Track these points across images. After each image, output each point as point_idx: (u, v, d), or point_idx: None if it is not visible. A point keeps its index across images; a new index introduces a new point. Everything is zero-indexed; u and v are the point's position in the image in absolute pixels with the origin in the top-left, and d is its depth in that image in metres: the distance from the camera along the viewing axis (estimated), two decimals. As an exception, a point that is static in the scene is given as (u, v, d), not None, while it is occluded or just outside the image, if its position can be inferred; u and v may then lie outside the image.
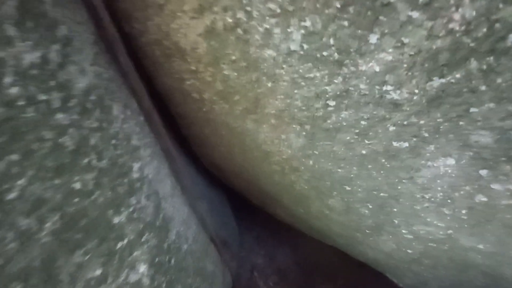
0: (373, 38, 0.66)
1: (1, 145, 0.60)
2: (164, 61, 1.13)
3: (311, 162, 1.19)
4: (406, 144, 0.89)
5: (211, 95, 1.16)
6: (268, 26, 0.75)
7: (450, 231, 1.10)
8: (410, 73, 0.69)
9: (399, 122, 0.84)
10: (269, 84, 0.94)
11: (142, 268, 1.03)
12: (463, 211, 0.99)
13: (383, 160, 0.99)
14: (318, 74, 0.82)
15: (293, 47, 0.77)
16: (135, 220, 1.00)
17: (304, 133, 1.06)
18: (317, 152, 1.12)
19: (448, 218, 1.05)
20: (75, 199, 0.78)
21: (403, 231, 1.25)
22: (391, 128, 0.87)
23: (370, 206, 1.23)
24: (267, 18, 0.73)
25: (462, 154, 0.83)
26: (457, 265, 1.23)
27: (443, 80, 0.67)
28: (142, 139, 1.13)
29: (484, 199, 0.91)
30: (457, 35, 0.58)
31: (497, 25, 0.54)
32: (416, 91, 0.72)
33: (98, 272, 0.85)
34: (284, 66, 0.84)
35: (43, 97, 0.69)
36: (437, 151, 0.86)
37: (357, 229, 1.43)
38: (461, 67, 0.63)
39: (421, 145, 0.87)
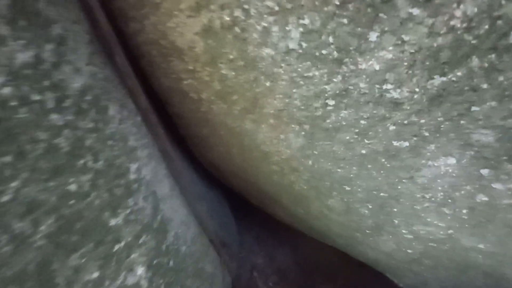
0: (373, 36, 0.65)
1: (-7, 147, 0.58)
2: (161, 60, 1.12)
3: (310, 162, 1.18)
4: (407, 144, 0.89)
5: (209, 95, 1.15)
6: (266, 24, 0.74)
7: (450, 231, 1.09)
8: (410, 72, 0.68)
9: (399, 121, 0.83)
10: (268, 84, 0.93)
11: (140, 270, 1.02)
12: (464, 211, 0.99)
13: (383, 160, 0.99)
14: (317, 73, 0.81)
15: (291, 45, 0.76)
16: (132, 222, 0.99)
17: (303, 133, 1.05)
18: (316, 152, 1.11)
19: (449, 218, 1.04)
20: (70, 201, 0.77)
21: (403, 231, 1.24)
22: (391, 128, 0.86)
23: (370, 206, 1.22)
24: (265, 16, 0.72)
25: (463, 154, 0.82)
26: (457, 265, 1.22)
27: (444, 79, 0.66)
28: (140, 140, 1.11)
29: (485, 198, 0.91)
30: (459, 32, 0.57)
31: (499, 22, 0.53)
32: (417, 89, 0.71)
33: (95, 275, 0.84)
34: (282, 65, 0.83)
35: (36, 97, 0.68)
36: (438, 150, 0.86)
37: (357, 229, 1.43)
38: (462, 65, 0.62)
39: (422, 144, 0.86)
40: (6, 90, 0.61)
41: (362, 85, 0.78)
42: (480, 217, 0.97)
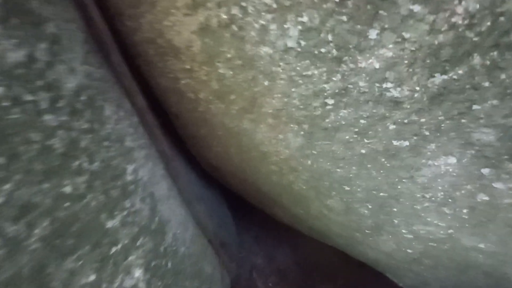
0: (373, 34, 0.64)
1: (-16, 149, 0.57)
2: (158, 60, 1.11)
3: (309, 162, 1.17)
4: (407, 143, 0.88)
5: (206, 95, 1.14)
6: (264, 22, 0.73)
7: (450, 231, 1.09)
8: (411, 70, 0.67)
9: (399, 120, 0.82)
10: (266, 83, 0.92)
11: (138, 272, 1.01)
12: (464, 211, 0.98)
13: (383, 160, 0.98)
14: (316, 72, 0.80)
15: (290, 43, 0.75)
16: (129, 224, 0.97)
17: (302, 132, 1.05)
18: (315, 152, 1.10)
19: (449, 217, 1.04)
20: (65, 203, 0.75)
21: (403, 231, 1.24)
22: (391, 127, 0.85)
23: (370, 206, 1.22)
24: (263, 13, 0.71)
25: (464, 153, 0.82)
26: (458, 265, 1.22)
27: (445, 77, 0.65)
28: (136, 140, 1.10)
29: (486, 198, 0.90)
30: (460, 29, 0.56)
31: (502, 18, 0.52)
32: (417, 88, 0.71)
33: (92, 278, 0.82)
34: (281, 63, 0.82)
35: (29, 97, 0.66)
36: (438, 149, 0.85)
37: (357, 229, 1.42)
38: (463, 62, 0.61)
39: (422, 143, 0.86)
40: (-2, 90, 0.59)
41: (361, 83, 0.77)
42: (481, 216, 0.96)
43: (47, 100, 0.70)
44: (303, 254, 2.56)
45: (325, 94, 0.85)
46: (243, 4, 0.73)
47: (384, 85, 0.75)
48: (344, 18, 0.64)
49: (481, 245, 1.06)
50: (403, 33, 0.62)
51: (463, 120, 0.73)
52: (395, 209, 1.15)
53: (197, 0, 0.79)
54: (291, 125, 1.04)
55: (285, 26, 0.72)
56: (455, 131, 0.77)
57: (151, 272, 1.07)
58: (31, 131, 0.66)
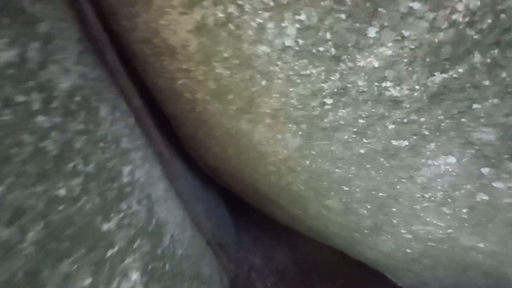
0: (372, 32, 0.63)
1: (-27, 151, 0.56)
2: (154, 60, 1.09)
3: (308, 162, 1.16)
4: (406, 143, 0.87)
5: (203, 95, 1.13)
6: (261, 21, 0.72)
7: (450, 230, 1.08)
8: (410, 68, 0.66)
9: (398, 120, 0.81)
10: (264, 82, 0.91)
11: (135, 275, 0.99)
12: (464, 210, 0.98)
13: (382, 160, 0.97)
14: (314, 71, 0.79)
15: (287, 42, 0.74)
16: (126, 226, 0.96)
17: (300, 132, 1.04)
18: (314, 152, 1.09)
19: (448, 217, 1.03)
20: (60, 206, 0.74)
21: (402, 231, 1.23)
22: (391, 126, 0.85)
23: (369, 206, 1.21)
24: (260, 12, 0.70)
25: (464, 152, 0.81)
26: (457, 265, 1.21)
27: (445, 75, 0.65)
28: (133, 142, 1.09)
29: (486, 197, 0.90)
30: (461, 27, 0.55)
31: (503, 15, 0.52)
32: (417, 87, 0.70)
33: (88, 281, 0.81)
34: (278, 63, 0.81)
35: (21, 98, 0.65)
36: (438, 149, 0.84)
37: (356, 229, 1.41)
38: (464, 61, 0.60)
39: (421, 143, 0.85)
40: (-12, 91, 0.58)
41: (360, 83, 0.76)
42: (480, 216, 0.96)
43: (39, 101, 0.69)
44: (301, 254, 2.55)
45: (324, 93, 0.85)
46: (240, 2, 0.71)
47: (383, 84, 0.74)
48: (343, 16, 0.63)
49: (481, 245, 1.06)
50: (403, 31, 0.61)
51: (463, 119, 0.73)
52: (394, 209, 1.15)
53: (193, -1, 0.78)
54: (289, 125, 1.03)
55: (282, 24, 0.71)
56: (455, 130, 0.76)
57: (148, 275, 1.05)
58: (23, 133, 0.65)
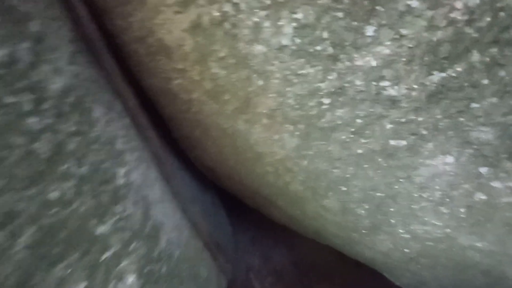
0: (370, 30, 0.62)
1: (-39, 154, 0.54)
2: (149, 60, 1.08)
3: (305, 163, 1.16)
4: (404, 142, 0.87)
5: (199, 95, 1.12)
6: (257, 20, 0.71)
7: (448, 230, 1.09)
8: (408, 67, 0.66)
9: (396, 119, 0.81)
10: (260, 82, 0.90)
11: (131, 278, 0.98)
12: (462, 210, 0.98)
13: (380, 159, 0.97)
14: (311, 70, 0.78)
15: (284, 41, 0.73)
16: (121, 229, 0.95)
17: (297, 133, 1.03)
18: (311, 152, 1.09)
19: (446, 217, 1.03)
20: (52, 210, 0.72)
21: (400, 230, 1.23)
22: (388, 126, 0.84)
23: (367, 206, 1.21)
24: (256, 10, 0.69)
25: (462, 152, 0.81)
26: (455, 264, 1.21)
27: (443, 74, 0.64)
28: (128, 143, 1.07)
29: (484, 197, 0.90)
30: (459, 25, 0.55)
31: (502, 13, 0.51)
32: (415, 86, 0.69)
33: (82, 286, 0.80)
34: (275, 62, 0.80)
35: (11, 99, 0.63)
36: (436, 149, 0.84)
37: (354, 229, 1.41)
38: (462, 59, 0.60)
39: (420, 143, 0.85)
40: (-25, 92, 0.56)
41: (358, 82, 0.75)
42: (479, 216, 0.96)
43: (30, 102, 0.67)
44: (299, 254, 2.55)
45: (321, 93, 0.84)
46: (236, 0, 0.71)
47: (381, 84, 0.73)
48: (340, 14, 0.62)
49: (479, 244, 1.06)
50: (401, 30, 0.60)
51: (461, 119, 0.72)
52: (392, 209, 1.15)
53: (188, -3, 0.77)
54: (287, 125, 1.03)
55: (279, 23, 0.70)
56: (453, 130, 0.76)
57: (144, 278, 1.04)
58: (13, 134, 0.63)
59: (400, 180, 1.01)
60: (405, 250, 1.34)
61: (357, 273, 2.17)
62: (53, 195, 0.72)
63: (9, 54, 0.63)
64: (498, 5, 0.51)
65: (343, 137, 0.95)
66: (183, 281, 1.36)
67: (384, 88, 0.74)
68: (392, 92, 0.74)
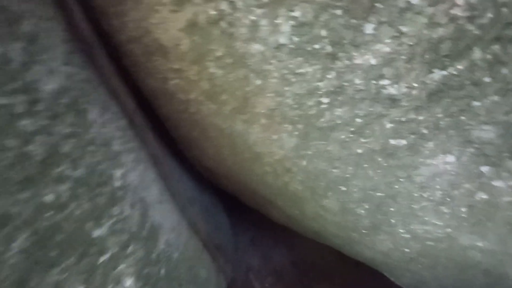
0: (369, 28, 0.61)
1: (-50, 158, 0.53)
2: (145, 60, 1.07)
3: (304, 163, 1.15)
4: (404, 142, 0.86)
5: (197, 95, 1.10)
6: (254, 18, 0.70)
7: (448, 230, 1.08)
8: (409, 66, 0.65)
9: (396, 118, 0.80)
10: (258, 82, 0.89)
11: (129, 281, 0.97)
12: (463, 210, 0.97)
13: (380, 159, 0.96)
14: (309, 69, 0.77)
15: (282, 40, 0.72)
16: (118, 232, 0.94)
17: (296, 132, 1.02)
18: (310, 152, 1.08)
19: (447, 216, 1.03)
20: (47, 213, 0.71)
21: (400, 230, 1.23)
22: (388, 125, 0.83)
23: (367, 206, 1.20)
24: (253, 8, 0.68)
25: (463, 151, 0.80)
26: (456, 264, 1.21)
27: (444, 72, 0.63)
28: (125, 144, 1.06)
29: (485, 196, 0.89)
30: (460, 22, 0.54)
31: (504, 9, 0.50)
32: (415, 85, 0.68)
33: (79, 290, 0.78)
34: (273, 61, 0.79)
35: (3, 101, 0.62)
36: (437, 148, 0.83)
37: (354, 229, 1.40)
38: (464, 57, 0.59)
39: (420, 142, 0.84)
40: (-35, 94, 0.55)
41: (357, 81, 0.74)
42: (480, 215, 0.95)
43: (23, 103, 0.66)
44: (299, 254, 2.55)
45: (320, 92, 0.83)
46: (232, -2, 0.69)
47: (381, 82, 0.72)
48: (339, 11, 0.61)
49: (480, 244, 1.05)
50: (401, 27, 0.59)
51: (462, 117, 0.71)
52: (392, 209, 1.14)
53: (183, -4, 0.76)
54: (285, 125, 1.02)
55: (276, 21, 0.69)
56: (454, 128, 0.75)
57: (143, 281, 1.03)
58: (6, 137, 0.62)
59: (400, 179, 1.00)
60: (405, 250, 1.33)
61: (357, 273, 2.16)
62: (48, 198, 0.71)
63: (1, 54, 0.62)
64: (500, 0, 0.50)
65: (343, 136, 0.94)
66: (182, 283, 1.35)
67: (384, 86, 0.73)
68: (392, 91, 0.72)
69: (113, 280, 0.90)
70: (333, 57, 0.71)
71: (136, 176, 1.09)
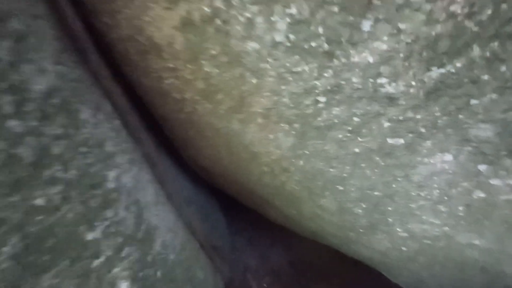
0: (366, 25, 0.60)
1: None
2: (139, 59, 1.04)
3: (301, 162, 1.13)
4: (402, 141, 0.85)
5: (192, 95, 1.09)
6: (249, 15, 0.68)
7: (446, 228, 1.08)
8: (407, 64, 0.64)
9: (394, 117, 0.79)
10: (254, 81, 0.87)
11: (124, 285, 0.95)
12: (460, 208, 0.97)
13: (378, 158, 0.95)
14: (306, 68, 0.76)
15: (278, 38, 0.71)
16: (112, 235, 0.92)
17: (293, 132, 1.01)
18: (307, 152, 1.06)
19: (444, 215, 1.02)
20: (38, 217, 0.69)
21: (398, 229, 1.22)
22: (386, 124, 0.82)
23: (364, 206, 1.19)
24: (248, 5, 0.66)
25: (461, 149, 0.79)
26: (454, 262, 1.21)
27: (442, 70, 0.62)
28: (118, 145, 1.04)
29: (483, 195, 0.89)
30: (459, 18, 0.53)
31: (504, 6, 0.49)
32: (413, 83, 0.67)
33: (72, 294, 0.76)
34: (269, 59, 0.78)
35: (-10, 102, 0.59)
36: (434, 147, 0.82)
37: (351, 228, 1.40)
38: (462, 55, 0.58)
39: (418, 141, 0.83)
40: (-51, 95, 0.53)
41: (354, 79, 0.73)
42: (477, 214, 0.95)
43: (11, 104, 0.63)
44: (297, 254, 2.54)
45: (317, 91, 0.81)
46: (227, -5, 0.68)
47: (379, 81, 0.71)
48: (336, 8, 0.60)
49: (477, 242, 1.05)
50: (399, 24, 0.58)
51: (460, 116, 0.71)
52: (389, 208, 1.13)
53: (177, -7, 0.74)
54: (282, 125, 1.00)
55: (272, 19, 0.67)
56: (452, 127, 0.74)
57: (139, 284, 1.01)
58: (-7, 139, 0.60)
59: (398, 179, 0.99)
60: (403, 248, 1.33)
61: (355, 272, 2.16)
62: (39, 201, 0.69)
63: (-13, 53, 0.60)
64: (500, -3, 0.49)
65: (340, 136, 0.93)
66: (179, 284, 1.34)
67: (381, 85, 0.72)
68: (389, 89, 0.71)
69: (108, 284, 0.88)
70: (330, 55, 0.70)
71: (130, 177, 1.07)
